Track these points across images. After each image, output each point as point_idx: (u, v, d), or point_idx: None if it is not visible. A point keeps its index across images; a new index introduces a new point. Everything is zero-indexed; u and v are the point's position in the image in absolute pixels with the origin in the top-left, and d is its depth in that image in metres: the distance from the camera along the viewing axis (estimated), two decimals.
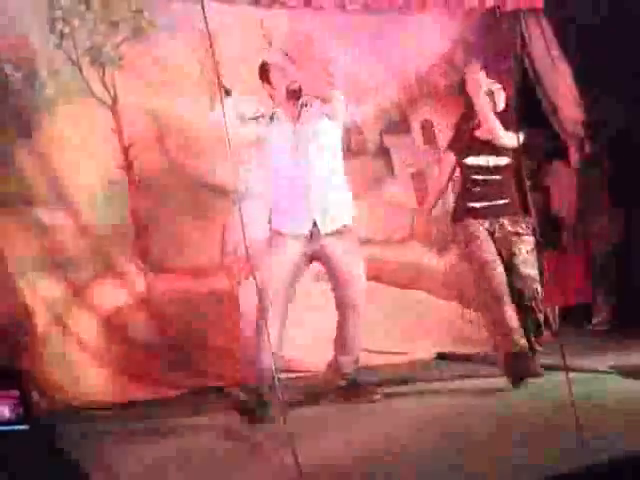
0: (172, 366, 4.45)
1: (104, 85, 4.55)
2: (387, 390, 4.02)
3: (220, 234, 4.71)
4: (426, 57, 5.44)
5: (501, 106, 4.04)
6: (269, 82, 3.85)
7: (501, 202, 4.01)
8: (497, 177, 4.03)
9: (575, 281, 5.41)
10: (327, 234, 3.80)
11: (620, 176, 5.04)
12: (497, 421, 3.34)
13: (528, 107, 5.44)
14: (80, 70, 4.50)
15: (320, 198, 3.79)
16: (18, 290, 4.27)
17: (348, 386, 3.92)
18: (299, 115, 3.82)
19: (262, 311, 3.63)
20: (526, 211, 4.11)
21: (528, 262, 3.98)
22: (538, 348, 4.04)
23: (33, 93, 4.40)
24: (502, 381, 3.92)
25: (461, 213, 4.08)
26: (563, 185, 5.53)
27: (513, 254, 3.98)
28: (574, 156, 5.51)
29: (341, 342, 3.92)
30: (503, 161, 4.02)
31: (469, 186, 4.06)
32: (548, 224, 5.19)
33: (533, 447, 2.92)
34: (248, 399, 3.72)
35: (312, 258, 3.88)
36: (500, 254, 3.99)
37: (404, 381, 4.22)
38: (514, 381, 3.84)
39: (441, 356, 4.83)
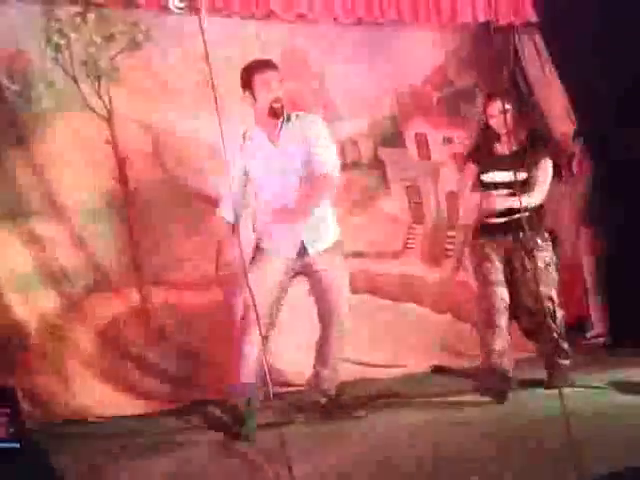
0: (168, 379, 4.44)
1: (100, 97, 4.53)
2: (379, 404, 4.03)
3: (216, 246, 4.70)
4: (420, 70, 5.46)
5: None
6: (252, 93, 3.75)
7: (520, 215, 3.99)
8: (513, 191, 4.05)
9: (570, 296, 5.43)
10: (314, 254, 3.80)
11: (613, 190, 5.06)
12: (492, 437, 3.34)
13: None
14: (76, 82, 4.47)
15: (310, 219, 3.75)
16: (13, 303, 4.24)
17: (329, 403, 3.90)
18: (278, 136, 3.76)
19: (248, 328, 3.67)
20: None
21: (540, 279, 4.04)
22: (564, 362, 4.14)
23: (28, 105, 4.37)
24: None
25: (480, 230, 4.15)
26: (555, 200, 5.54)
27: (526, 270, 4.06)
28: (566, 170, 5.53)
29: (322, 357, 3.92)
30: (523, 175, 4.08)
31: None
32: None
33: (528, 463, 2.93)
34: (227, 416, 3.71)
35: (297, 273, 3.88)
36: (512, 272, 4.09)
37: (398, 395, 4.23)
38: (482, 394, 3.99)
39: (436, 370, 4.83)
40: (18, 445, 3.13)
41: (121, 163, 4.56)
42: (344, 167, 4.94)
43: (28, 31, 4.38)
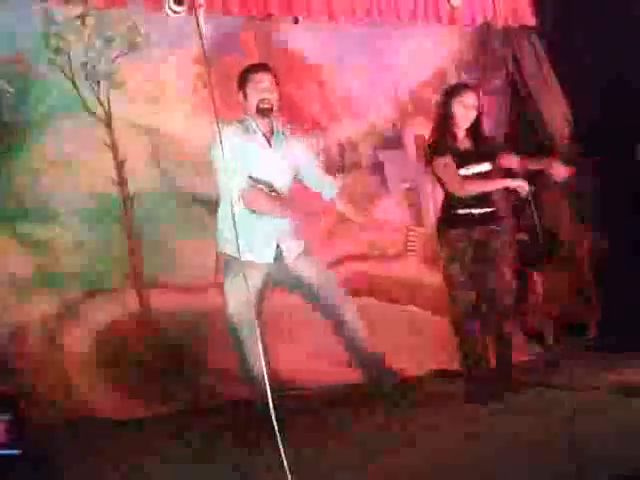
0: (166, 383, 4.43)
1: (99, 100, 4.53)
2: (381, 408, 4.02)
3: (214, 250, 4.68)
4: (419, 73, 5.46)
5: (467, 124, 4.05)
6: (244, 92, 3.84)
7: (487, 210, 4.05)
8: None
9: (569, 297, 5.43)
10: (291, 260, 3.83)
11: (612, 191, 5.06)
12: (492, 438, 3.33)
13: (519, 123, 5.51)
14: (74, 85, 4.47)
15: (283, 224, 3.79)
16: (11, 306, 4.25)
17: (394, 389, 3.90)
18: (271, 137, 3.81)
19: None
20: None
21: (505, 259, 4.04)
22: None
23: (27, 108, 4.38)
24: None
25: (448, 223, 4.07)
26: (554, 201, 5.54)
27: (497, 255, 4.03)
28: (563, 172, 5.52)
29: (353, 348, 3.93)
30: (486, 167, 4.05)
31: (455, 197, 4.03)
32: (543, 241, 5.18)
33: (529, 464, 2.92)
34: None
35: (276, 284, 3.87)
36: (483, 259, 4.03)
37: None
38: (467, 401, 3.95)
39: (437, 373, 4.81)
40: (19, 452, 3.12)
41: (120, 166, 4.56)
42: (343, 169, 4.97)
43: (27, 34, 4.38)
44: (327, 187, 4.00)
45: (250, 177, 3.73)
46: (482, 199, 4.03)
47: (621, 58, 4.89)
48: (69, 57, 4.46)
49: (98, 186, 4.50)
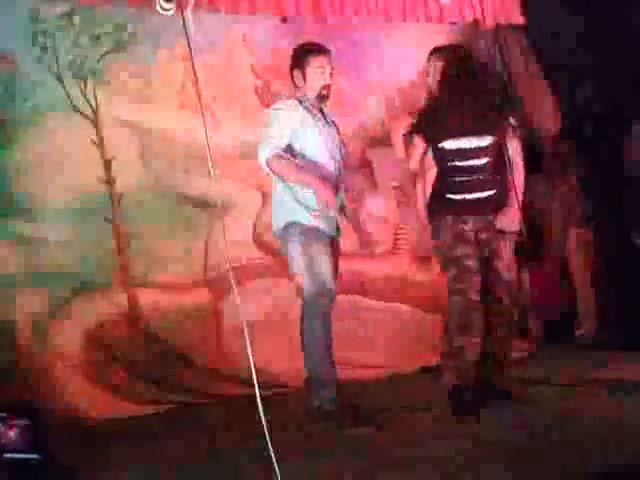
0: (155, 382, 4.42)
1: (86, 98, 4.51)
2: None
3: (203, 248, 4.69)
4: (407, 72, 5.46)
5: None
6: (303, 73, 3.72)
7: (487, 194, 3.56)
8: (481, 161, 3.56)
9: (558, 294, 5.45)
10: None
11: (602, 189, 5.09)
12: (483, 436, 3.32)
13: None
14: (62, 83, 4.45)
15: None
16: None
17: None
18: (323, 118, 3.75)
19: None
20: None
21: (510, 266, 3.61)
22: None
23: (14, 106, 4.35)
24: None
25: (439, 207, 3.61)
26: (544, 198, 5.57)
27: (495, 256, 3.58)
28: (553, 169, 5.56)
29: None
30: (486, 141, 3.56)
31: (449, 175, 3.59)
32: (531, 238, 5.20)
33: (517, 463, 2.92)
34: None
35: None
36: (483, 256, 3.57)
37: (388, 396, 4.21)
38: (455, 413, 3.51)
39: (424, 370, 4.81)
40: (38, 457, 3.10)
41: (107, 164, 4.54)
42: None
43: (14, 31, 4.35)
44: None
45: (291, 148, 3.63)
46: (480, 181, 3.54)
47: (609, 54, 4.91)
48: (56, 55, 4.44)
49: (86, 184, 4.48)
